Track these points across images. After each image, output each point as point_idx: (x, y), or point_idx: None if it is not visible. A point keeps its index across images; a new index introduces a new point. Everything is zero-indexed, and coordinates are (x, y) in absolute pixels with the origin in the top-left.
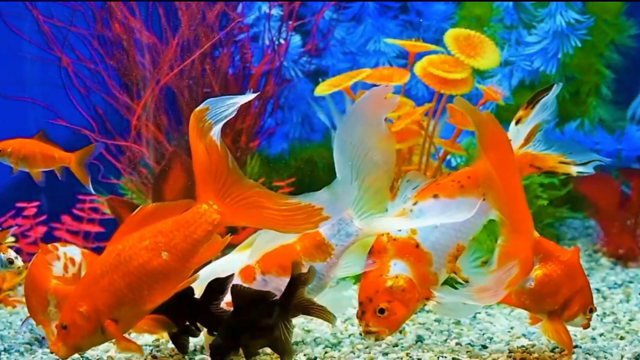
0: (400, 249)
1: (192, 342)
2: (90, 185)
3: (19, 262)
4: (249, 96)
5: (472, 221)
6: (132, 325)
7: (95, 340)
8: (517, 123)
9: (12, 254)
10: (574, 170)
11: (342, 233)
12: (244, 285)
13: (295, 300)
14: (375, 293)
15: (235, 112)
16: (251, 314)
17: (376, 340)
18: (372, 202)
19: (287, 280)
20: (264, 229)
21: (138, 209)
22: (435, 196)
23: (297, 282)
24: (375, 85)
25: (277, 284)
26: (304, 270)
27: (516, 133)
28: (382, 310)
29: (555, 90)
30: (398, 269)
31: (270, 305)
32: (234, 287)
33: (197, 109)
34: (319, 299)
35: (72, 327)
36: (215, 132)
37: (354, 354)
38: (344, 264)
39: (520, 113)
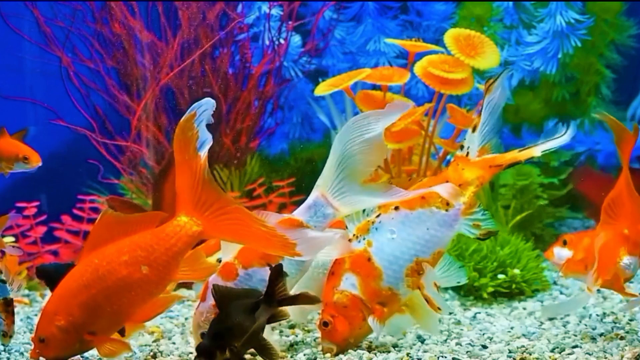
0: (354, 262)
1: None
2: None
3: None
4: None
5: (434, 234)
6: (111, 335)
7: (75, 352)
8: (473, 130)
9: (12, 330)
10: (536, 151)
11: (319, 215)
12: (225, 284)
13: (277, 296)
14: (325, 305)
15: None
16: (237, 314)
17: (325, 353)
18: (348, 184)
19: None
20: None
21: (100, 215)
22: (397, 208)
23: (276, 278)
24: (375, 85)
25: (262, 275)
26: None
27: (473, 140)
28: (325, 324)
29: (498, 84)
30: (347, 284)
31: (255, 305)
32: (216, 287)
33: (185, 117)
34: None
35: (51, 341)
36: (203, 141)
37: (354, 354)
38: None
39: (475, 120)
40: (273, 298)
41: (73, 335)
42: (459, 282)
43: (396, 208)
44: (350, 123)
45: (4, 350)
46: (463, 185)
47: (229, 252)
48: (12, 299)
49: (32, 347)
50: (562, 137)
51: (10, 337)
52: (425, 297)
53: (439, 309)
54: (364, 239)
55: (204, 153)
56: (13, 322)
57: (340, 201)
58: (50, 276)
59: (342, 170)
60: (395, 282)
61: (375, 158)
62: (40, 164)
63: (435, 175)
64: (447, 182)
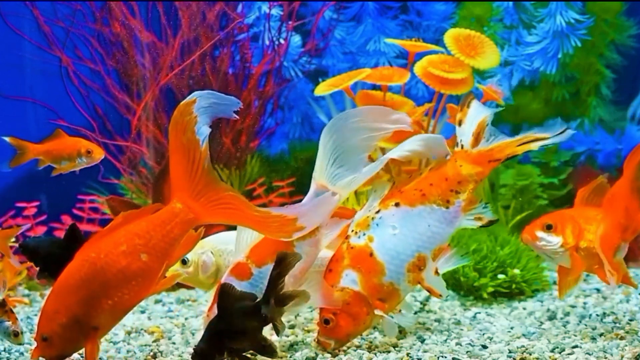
0: (355, 258)
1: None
2: None
3: (23, 338)
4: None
5: (435, 231)
6: (114, 325)
7: (79, 347)
8: (460, 125)
9: (19, 327)
10: (534, 145)
11: None
12: (239, 285)
13: (276, 295)
14: None
15: (227, 113)
16: (235, 316)
17: (324, 350)
18: (341, 167)
19: None
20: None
21: (110, 223)
22: (397, 204)
23: (275, 278)
24: (375, 85)
25: None
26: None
27: (463, 133)
28: (326, 321)
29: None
30: (348, 281)
31: (254, 306)
32: (223, 285)
33: (184, 101)
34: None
35: (54, 339)
36: (201, 128)
37: (354, 354)
38: (325, 232)
39: (458, 116)
40: (271, 299)
41: (76, 331)
42: (460, 264)
43: (397, 204)
44: (342, 115)
45: (4, 350)
46: (462, 183)
47: (241, 250)
48: (4, 299)
49: (35, 346)
50: (561, 135)
51: (22, 333)
52: (426, 289)
53: (440, 295)
54: (364, 234)
55: (204, 140)
56: (17, 319)
57: (338, 185)
58: (33, 251)
59: (333, 157)
60: (397, 277)
61: (364, 142)
62: (103, 156)
63: (433, 171)
64: (446, 179)
